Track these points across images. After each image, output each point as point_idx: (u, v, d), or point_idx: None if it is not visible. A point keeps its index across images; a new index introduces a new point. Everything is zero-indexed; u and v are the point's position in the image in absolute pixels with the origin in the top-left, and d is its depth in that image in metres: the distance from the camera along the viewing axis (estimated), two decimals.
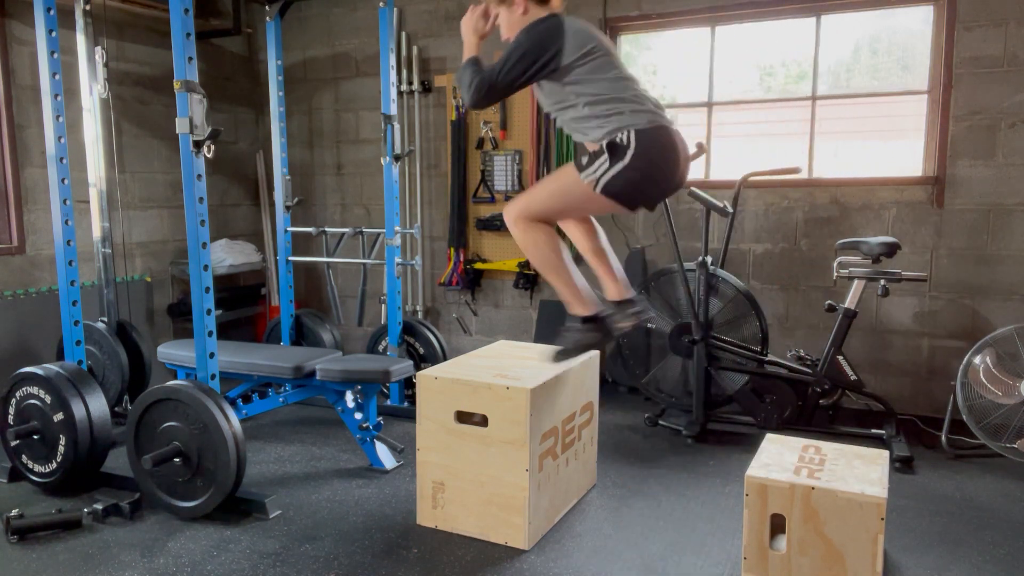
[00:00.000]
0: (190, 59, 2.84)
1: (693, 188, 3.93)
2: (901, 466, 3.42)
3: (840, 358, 3.69)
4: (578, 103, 2.56)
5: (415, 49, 5.07)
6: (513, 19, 2.62)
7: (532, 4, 2.59)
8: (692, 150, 3.81)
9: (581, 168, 2.56)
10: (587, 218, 2.89)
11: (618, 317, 2.83)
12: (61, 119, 3.32)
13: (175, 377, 3.64)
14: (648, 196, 2.61)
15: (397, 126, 4.19)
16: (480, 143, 4.95)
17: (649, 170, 2.52)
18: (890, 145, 4.36)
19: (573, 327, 2.71)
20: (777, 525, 2.40)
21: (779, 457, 2.57)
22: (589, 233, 2.88)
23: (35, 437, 3.20)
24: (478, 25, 2.67)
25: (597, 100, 2.53)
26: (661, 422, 4.04)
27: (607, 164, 2.50)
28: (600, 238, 2.90)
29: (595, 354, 3.21)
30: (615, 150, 2.49)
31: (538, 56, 2.48)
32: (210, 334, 3.04)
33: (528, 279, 4.90)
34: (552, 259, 2.66)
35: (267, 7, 4.31)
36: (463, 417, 2.78)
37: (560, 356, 2.77)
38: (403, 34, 5.09)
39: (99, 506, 2.94)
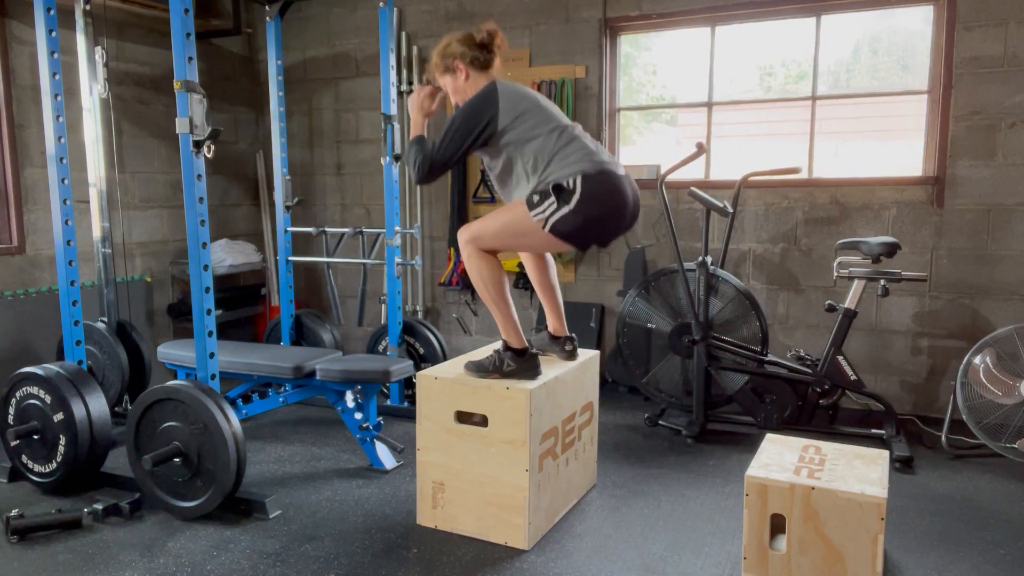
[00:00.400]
0: (190, 59, 2.84)
1: (693, 188, 3.93)
2: (901, 466, 3.42)
3: (840, 358, 3.69)
4: (518, 164, 2.67)
5: (415, 49, 5.08)
6: (457, 85, 2.81)
7: (473, 70, 2.78)
8: (693, 150, 3.82)
9: (531, 206, 2.65)
10: (541, 252, 3.02)
11: (551, 351, 3.06)
12: (61, 119, 3.32)
13: (175, 377, 3.64)
14: (597, 238, 2.72)
15: (397, 126, 4.19)
16: None
17: (595, 214, 2.61)
18: (890, 145, 4.36)
19: (505, 356, 2.79)
20: (777, 525, 2.40)
21: (779, 457, 2.57)
22: (541, 267, 3.03)
23: (35, 437, 3.20)
24: (424, 104, 2.84)
25: (537, 158, 2.64)
26: (661, 422, 4.04)
27: (555, 206, 2.60)
28: (551, 273, 3.06)
29: (595, 354, 3.21)
30: (561, 193, 2.59)
31: (473, 128, 2.64)
32: (210, 334, 3.04)
33: (528, 279, 4.89)
34: (494, 291, 2.78)
35: (267, 7, 4.31)
36: (463, 417, 2.78)
37: (475, 370, 2.81)
38: (403, 34, 5.09)
39: (99, 506, 2.94)
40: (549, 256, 3.05)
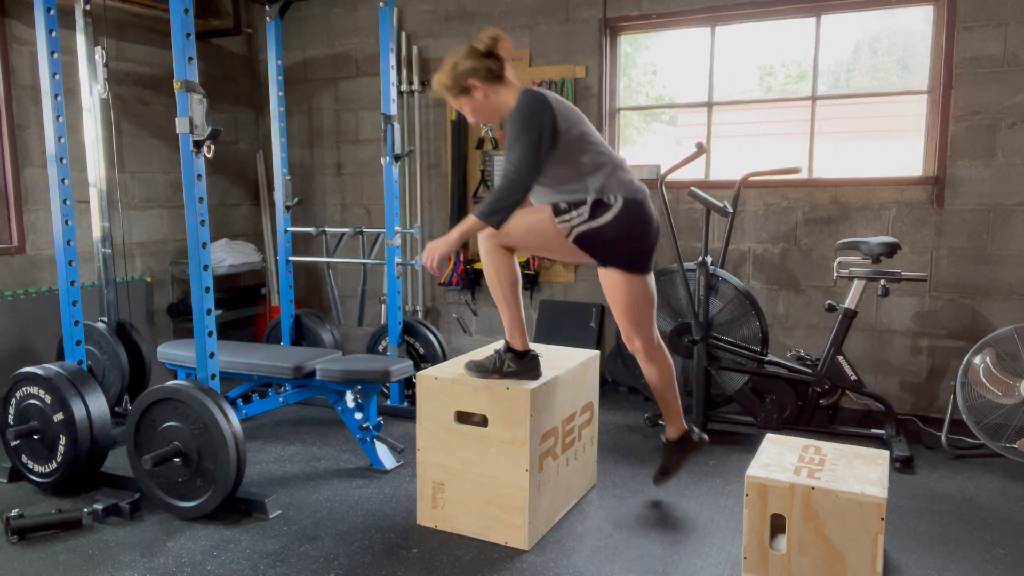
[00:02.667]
0: (190, 59, 2.84)
1: (693, 188, 3.93)
2: (901, 466, 3.42)
3: (840, 358, 3.69)
4: (557, 170, 2.62)
5: (415, 49, 5.07)
6: (477, 104, 2.68)
7: (489, 85, 2.65)
8: (693, 150, 3.82)
9: (557, 212, 2.65)
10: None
11: (683, 455, 3.06)
12: (61, 119, 3.32)
13: (175, 377, 3.64)
14: (615, 257, 2.70)
15: (397, 126, 4.19)
16: (480, 143, 4.95)
17: (623, 234, 2.63)
18: (890, 145, 4.36)
19: (506, 356, 2.78)
20: (777, 525, 2.40)
21: (779, 457, 2.57)
22: (664, 363, 2.96)
23: (35, 437, 3.20)
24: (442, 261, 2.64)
25: (580, 169, 2.62)
26: (661, 422, 4.03)
27: (586, 216, 2.62)
28: (671, 367, 3.01)
29: (595, 354, 3.21)
30: (598, 206, 2.61)
31: (541, 124, 2.52)
32: (210, 334, 3.04)
33: (528, 279, 4.90)
34: (508, 291, 2.78)
35: (267, 7, 4.31)
36: (463, 417, 2.78)
37: (475, 370, 2.79)
38: (403, 34, 5.09)
39: (99, 506, 2.94)
40: (667, 352, 2.98)
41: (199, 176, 2.91)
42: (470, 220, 2.56)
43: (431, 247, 2.62)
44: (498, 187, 2.54)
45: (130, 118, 4.80)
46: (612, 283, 2.76)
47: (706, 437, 3.07)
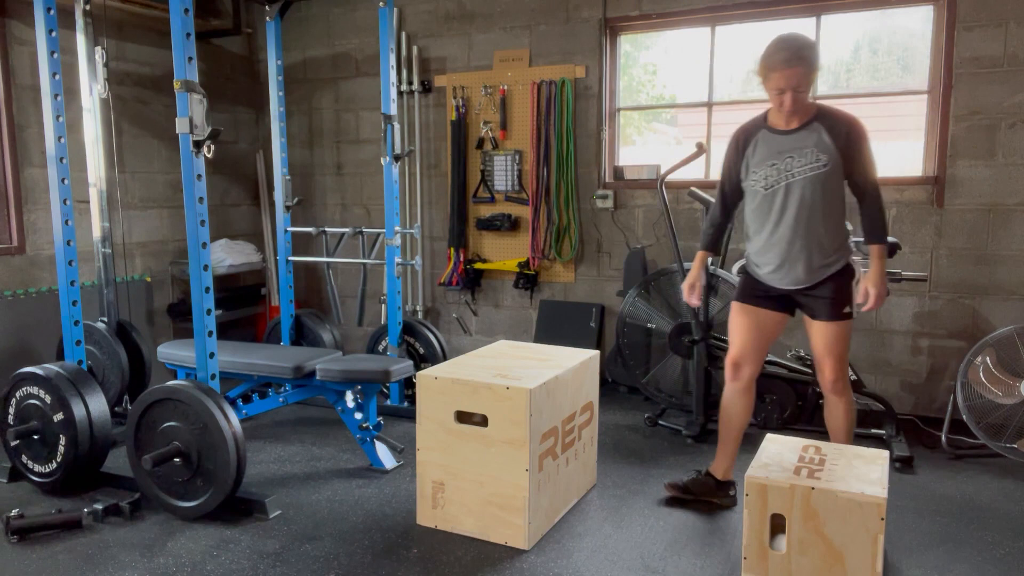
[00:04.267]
0: (190, 59, 2.84)
1: (693, 188, 3.93)
2: (901, 466, 3.42)
3: None
4: (836, 208, 2.82)
5: (415, 49, 5.07)
6: (807, 92, 2.77)
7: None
8: (693, 150, 3.82)
9: (852, 312, 2.83)
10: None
11: (713, 497, 3.14)
12: (61, 119, 3.33)
13: (175, 377, 3.64)
14: (851, 301, 2.88)
15: (397, 126, 4.19)
16: (480, 143, 4.95)
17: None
18: (890, 145, 4.36)
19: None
20: (777, 525, 2.40)
21: (779, 457, 2.57)
22: (748, 408, 3.15)
23: (35, 437, 3.20)
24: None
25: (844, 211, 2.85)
26: (661, 422, 4.04)
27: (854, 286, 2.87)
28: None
29: (595, 354, 3.21)
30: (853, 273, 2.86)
31: None
32: (210, 334, 3.04)
33: (528, 279, 4.90)
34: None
35: (267, 7, 4.31)
36: (463, 417, 2.78)
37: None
38: (403, 34, 5.09)
39: (99, 506, 2.94)
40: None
41: (199, 176, 2.91)
42: (881, 248, 2.79)
43: (879, 293, 2.78)
44: (879, 213, 2.78)
45: (130, 118, 4.80)
46: (842, 332, 2.84)
47: (736, 501, 3.09)
